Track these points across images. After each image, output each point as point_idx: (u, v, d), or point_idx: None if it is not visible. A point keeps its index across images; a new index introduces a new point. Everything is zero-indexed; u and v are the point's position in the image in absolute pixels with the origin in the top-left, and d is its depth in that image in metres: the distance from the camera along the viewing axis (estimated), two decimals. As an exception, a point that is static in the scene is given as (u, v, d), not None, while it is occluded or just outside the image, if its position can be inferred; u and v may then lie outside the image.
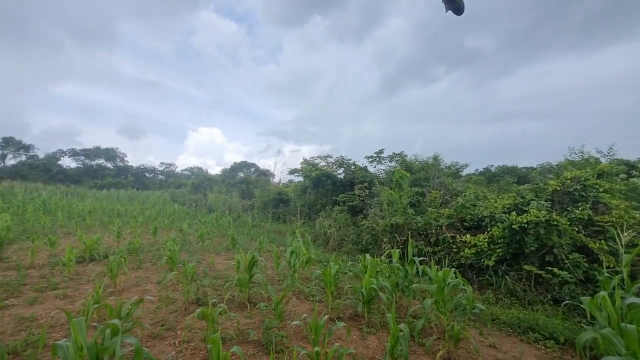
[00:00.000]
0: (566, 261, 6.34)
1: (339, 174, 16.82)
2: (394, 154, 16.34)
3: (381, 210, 10.75)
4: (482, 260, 7.50)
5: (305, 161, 18.06)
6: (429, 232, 8.93)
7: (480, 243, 7.70)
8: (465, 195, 9.64)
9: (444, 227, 8.79)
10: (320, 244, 11.63)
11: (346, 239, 11.17)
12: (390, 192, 11.00)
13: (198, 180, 32.18)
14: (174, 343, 4.01)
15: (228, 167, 47.46)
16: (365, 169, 16.55)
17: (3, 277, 5.99)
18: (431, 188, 12.09)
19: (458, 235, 8.39)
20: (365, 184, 14.01)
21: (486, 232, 7.92)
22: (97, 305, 3.58)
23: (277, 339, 4.10)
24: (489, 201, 9.47)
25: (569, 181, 7.74)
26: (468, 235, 8.12)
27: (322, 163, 17.54)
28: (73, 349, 2.03)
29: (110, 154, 45.52)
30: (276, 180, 34.39)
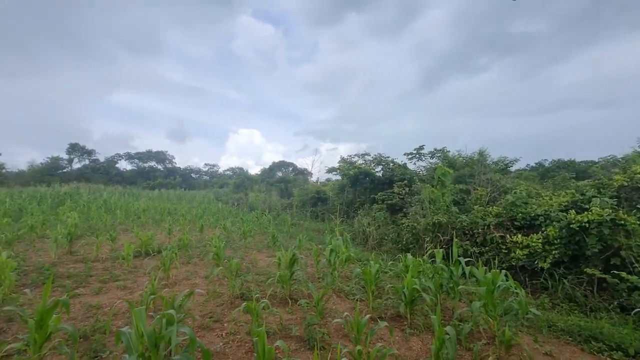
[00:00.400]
0: (636, 265, 5.68)
1: (377, 172, 16.56)
2: (435, 150, 15.73)
3: (422, 209, 10.41)
4: (536, 262, 6.97)
5: (342, 160, 18.03)
6: (475, 231, 8.48)
7: (533, 244, 7.16)
8: (515, 193, 9.01)
9: (491, 227, 8.29)
10: (359, 243, 11.55)
11: (386, 237, 10.97)
12: (431, 189, 10.61)
13: (239, 180, 33.50)
14: (221, 334, 4.21)
15: (267, 166, 48.86)
16: (404, 166, 16.12)
17: (73, 268, 6.70)
18: (477, 185, 11.47)
19: (508, 235, 7.87)
20: (405, 182, 13.65)
21: (540, 232, 7.35)
22: (153, 296, 3.86)
23: (319, 335, 4.13)
24: (543, 199, 8.78)
25: (638, 175, 6.92)
26: (519, 235, 7.59)
27: (360, 161, 17.37)
28: (135, 336, 2.21)
29: (161, 156, 48.96)
30: (314, 179, 34.74)
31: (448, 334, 3.38)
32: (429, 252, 7.66)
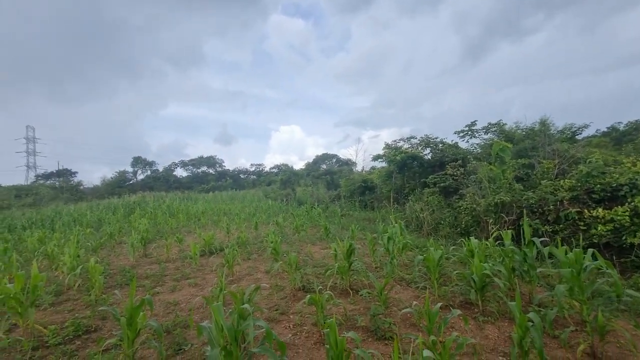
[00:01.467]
0: None
1: (426, 154, 15.80)
2: (489, 124, 14.50)
3: (480, 189, 9.72)
4: (624, 238, 6.15)
5: (387, 145, 17.48)
6: (545, 208, 7.71)
7: (619, 217, 6.32)
8: (590, 162, 8.00)
9: (565, 202, 7.47)
10: (413, 229, 11.17)
11: (442, 222, 10.46)
12: (489, 167, 9.85)
13: (285, 176, 34.30)
14: (289, 326, 4.30)
15: (310, 160, 49.36)
16: (455, 145, 15.15)
17: (149, 269, 7.33)
18: (541, 158, 10.41)
19: (586, 210, 7.04)
20: (459, 162, 12.83)
21: (626, 204, 6.45)
22: (223, 292, 4.05)
23: (385, 325, 4.04)
24: (625, 165, 7.69)
25: None
26: (600, 209, 6.75)
27: (406, 145, 16.71)
28: (215, 330, 2.31)
29: (211, 161, 51.92)
30: (359, 168, 34.34)
31: (532, 320, 3.08)
32: (493, 234, 7.13)
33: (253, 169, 55.42)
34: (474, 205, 9.04)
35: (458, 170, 12.22)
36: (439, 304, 3.40)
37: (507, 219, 8.13)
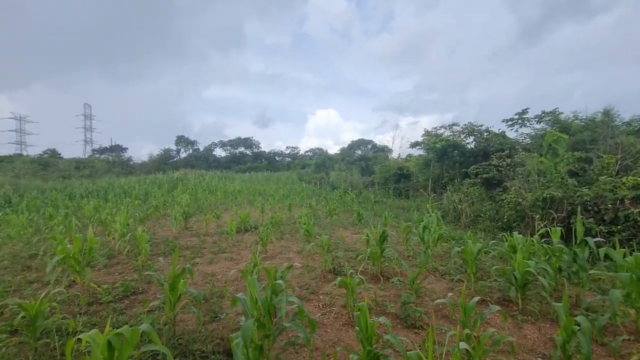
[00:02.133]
0: None
1: (468, 143, 14.97)
2: (542, 113, 13.30)
3: (528, 182, 9.07)
4: (697, 245, 5.45)
5: (426, 132, 16.78)
6: (601, 207, 7.04)
7: (693, 221, 5.60)
8: (661, 158, 7.12)
9: (626, 201, 6.76)
10: (449, 220, 10.77)
11: (481, 215, 9.95)
12: (540, 159, 9.11)
13: (320, 160, 34.37)
14: (318, 306, 4.38)
15: (346, 145, 48.95)
16: (502, 134, 14.16)
17: (190, 241, 7.78)
18: (601, 152, 9.43)
19: (652, 211, 6.32)
20: (505, 152, 11.99)
21: None
22: (257, 267, 4.19)
23: (416, 314, 3.97)
24: None
25: None
26: (670, 211, 6.02)
27: (447, 133, 15.93)
28: (250, 302, 2.40)
29: (248, 142, 53.32)
30: (395, 155, 33.50)
31: (578, 324, 2.86)
32: (539, 231, 6.66)
33: (288, 151, 56.16)
34: (519, 199, 8.47)
35: (504, 161, 11.43)
36: (477, 298, 3.26)
37: (556, 215, 7.54)
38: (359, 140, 48.91)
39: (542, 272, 4.70)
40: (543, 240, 6.07)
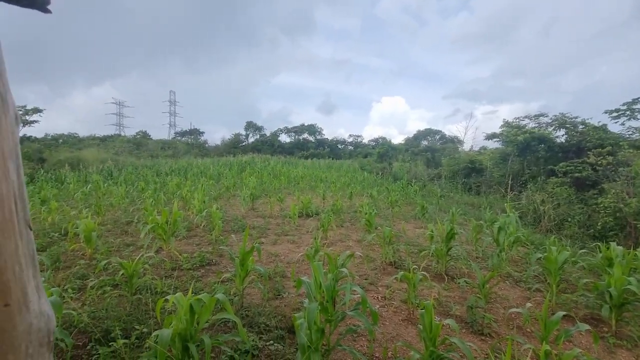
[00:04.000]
0: None
1: (558, 136, 13.13)
2: (660, 103, 11.02)
3: (633, 186, 7.67)
4: None
5: (507, 123, 15.12)
6: None
7: None
8: None
9: None
10: (528, 222, 9.68)
11: (568, 219, 8.74)
12: (653, 159, 7.61)
13: (383, 150, 33.50)
14: (377, 297, 4.33)
15: (411, 135, 46.86)
16: (603, 128, 12.07)
17: (256, 222, 8.29)
18: None
19: None
20: (607, 149, 10.23)
21: None
22: (318, 253, 4.28)
23: (485, 320, 3.68)
24: None
25: None
26: None
27: (532, 124, 14.18)
28: (314, 286, 2.46)
29: (312, 129, 54.32)
30: (466, 147, 31.09)
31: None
32: (646, 244, 5.63)
33: (351, 139, 55.79)
34: (621, 205, 7.21)
35: (604, 159, 9.76)
36: (561, 313, 2.88)
37: (671, 227, 6.27)
38: (426, 130, 46.35)
39: (649, 292, 3.97)
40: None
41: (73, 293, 3.80)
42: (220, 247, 4.94)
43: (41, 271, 4.35)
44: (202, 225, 7.31)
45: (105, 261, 4.17)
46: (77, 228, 5.14)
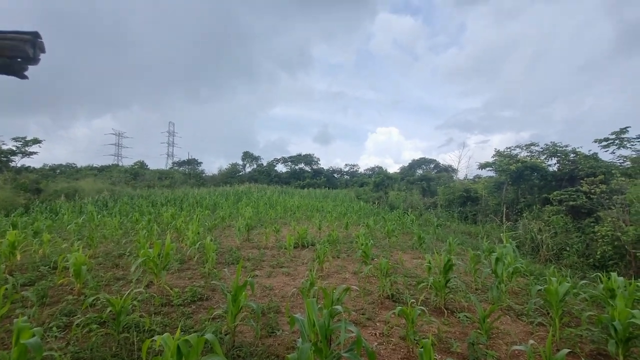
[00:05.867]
0: None
1: (550, 165, 13.35)
2: (647, 132, 11.34)
3: (629, 213, 7.70)
4: None
5: (498, 153, 15.43)
6: None
7: None
8: None
9: None
10: (526, 252, 9.59)
11: (567, 248, 8.67)
12: (645, 187, 7.71)
13: (379, 179, 33.76)
14: (375, 334, 4.17)
15: (406, 164, 47.48)
16: (594, 157, 12.31)
17: (251, 253, 8.13)
18: None
19: None
20: (599, 177, 10.36)
21: None
22: (313, 287, 4.17)
23: (487, 359, 3.53)
24: None
25: None
26: None
27: (524, 153, 14.44)
28: (307, 324, 2.37)
29: (308, 159, 54.87)
30: (460, 176, 31.41)
31: None
32: (646, 274, 5.56)
33: (347, 169, 56.32)
34: (618, 233, 7.20)
35: (597, 187, 9.88)
36: (566, 350, 2.78)
37: (669, 256, 6.23)
38: (421, 159, 47.09)
39: (654, 326, 3.86)
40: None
41: (58, 331, 3.62)
42: (213, 282, 4.80)
43: (26, 308, 4.20)
44: (196, 257, 7.16)
45: (94, 297, 4.02)
46: (68, 261, 5.00)
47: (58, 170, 34.18)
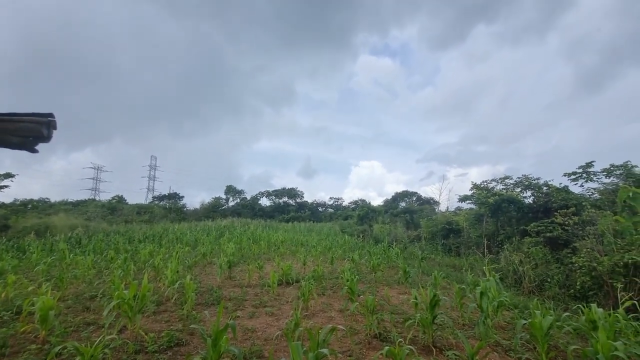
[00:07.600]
0: None
1: (526, 197, 13.89)
2: (612, 166, 12.09)
3: (602, 244, 8.00)
4: None
5: (476, 186, 15.98)
6: None
7: None
8: None
9: None
10: (509, 284, 9.65)
11: (548, 280, 8.81)
12: (615, 218, 8.08)
13: (363, 212, 33.89)
14: (363, 377, 4.00)
15: (389, 197, 48.14)
16: (565, 189, 12.96)
17: (233, 292, 7.81)
18: (693, 211, 8.15)
19: None
20: (572, 209, 10.84)
21: None
22: (298, 328, 4.02)
23: (478, 400, 3.43)
24: None
25: None
26: None
27: (499, 186, 15.03)
28: (292, 370, 2.27)
29: (292, 192, 54.82)
30: (442, 208, 32.04)
31: None
32: (624, 304, 5.68)
33: (331, 202, 56.50)
34: (594, 264, 7.42)
35: (570, 219, 10.31)
36: (553, 388, 2.75)
37: (644, 286, 6.43)
38: (403, 192, 47.95)
39: (635, 357, 3.91)
40: (630, 315, 5.18)
41: (15, 389, 3.29)
42: (192, 325, 4.54)
43: (-19, 362, 3.82)
44: (174, 298, 6.80)
45: (60, 346, 3.72)
46: (34, 305, 4.65)
47: (30, 205, 32.58)
